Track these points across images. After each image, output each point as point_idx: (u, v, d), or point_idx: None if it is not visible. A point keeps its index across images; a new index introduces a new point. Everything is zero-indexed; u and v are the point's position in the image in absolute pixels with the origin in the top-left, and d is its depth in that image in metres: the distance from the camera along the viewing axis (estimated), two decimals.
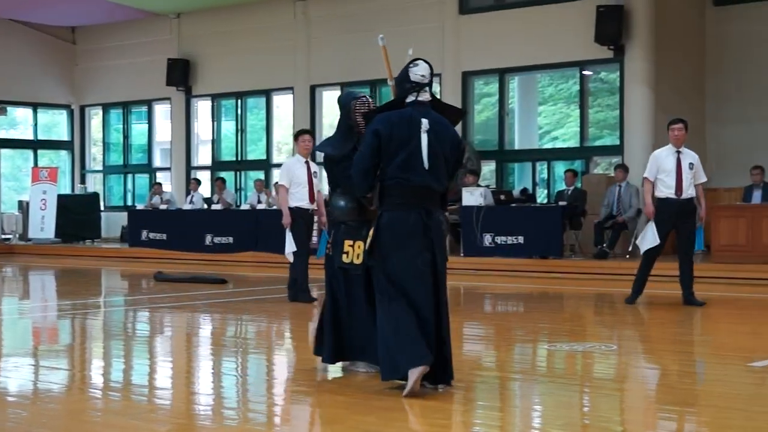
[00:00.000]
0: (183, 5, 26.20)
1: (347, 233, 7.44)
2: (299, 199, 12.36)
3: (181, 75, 26.38)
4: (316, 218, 12.55)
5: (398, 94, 6.97)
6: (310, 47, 24.42)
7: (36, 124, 29.34)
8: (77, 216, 26.17)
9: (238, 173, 26.65)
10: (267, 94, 25.74)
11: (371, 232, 6.85)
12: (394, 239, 6.72)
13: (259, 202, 22.35)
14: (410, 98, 6.88)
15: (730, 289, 14.39)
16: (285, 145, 26.56)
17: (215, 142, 26.90)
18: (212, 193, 24.74)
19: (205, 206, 23.17)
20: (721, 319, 11.35)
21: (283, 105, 26.02)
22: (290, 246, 12.31)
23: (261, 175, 25.48)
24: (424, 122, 6.78)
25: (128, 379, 7.78)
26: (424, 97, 6.90)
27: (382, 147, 6.74)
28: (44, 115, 29.87)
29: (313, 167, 12.55)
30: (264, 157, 26.06)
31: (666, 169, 11.82)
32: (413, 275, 6.65)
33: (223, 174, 25.94)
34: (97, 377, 7.87)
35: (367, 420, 6.04)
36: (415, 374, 6.46)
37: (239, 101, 26.34)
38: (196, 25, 26.56)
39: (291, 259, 12.43)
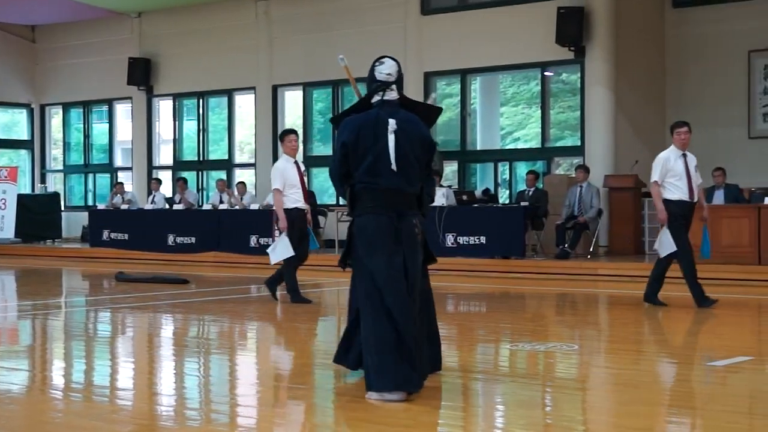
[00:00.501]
0: (144, 4, 26.05)
1: None
2: (295, 200, 12.30)
3: (142, 74, 26.25)
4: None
5: (366, 94, 6.93)
6: (272, 47, 24.37)
7: None
8: (38, 216, 26.00)
9: (199, 173, 26.55)
10: (229, 93, 25.66)
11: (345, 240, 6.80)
12: (366, 245, 6.62)
13: (221, 202, 22.30)
14: (376, 98, 6.81)
15: None
16: (247, 145, 26.49)
17: (177, 142, 26.78)
18: (174, 193, 24.62)
19: (167, 206, 23.08)
20: (682, 318, 11.43)
21: (245, 105, 25.94)
22: (287, 251, 12.16)
23: (223, 175, 25.41)
24: (391, 122, 6.67)
25: (90, 380, 7.73)
26: (391, 95, 6.81)
27: (349, 154, 6.66)
28: (4, 114, 29.62)
29: (301, 166, 12.52)
30: (226, 157, 25.98)
31: (677, 173, 11.83)
32: (387, 281, 6.52)
33: (184, 174, 25.84)
34: (58, 378, 7.81)
35: (331, 420, 6.04)
36: (390, 396, 6.38)
37: (201, 101, 26.23)
38: (158, 24, 26.44)
39: (272, 262, 12.36)
